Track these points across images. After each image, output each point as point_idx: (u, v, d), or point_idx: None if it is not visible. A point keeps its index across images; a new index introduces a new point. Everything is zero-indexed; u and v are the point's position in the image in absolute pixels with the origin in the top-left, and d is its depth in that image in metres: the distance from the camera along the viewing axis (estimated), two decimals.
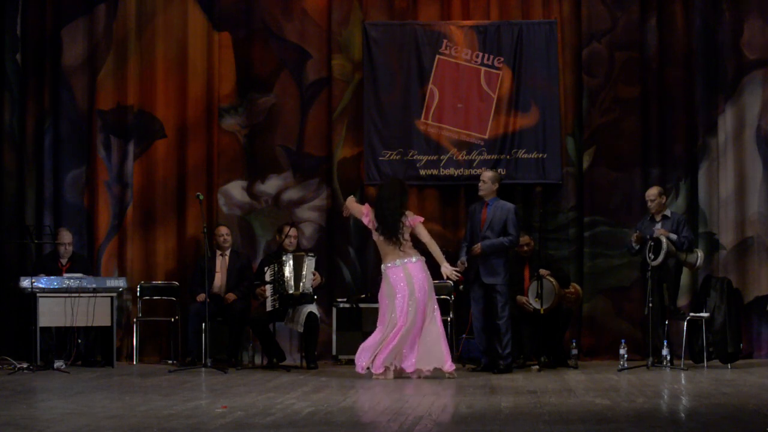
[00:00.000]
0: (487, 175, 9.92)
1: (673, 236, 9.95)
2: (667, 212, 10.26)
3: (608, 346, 10.80)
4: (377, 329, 9.32)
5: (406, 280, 9.18)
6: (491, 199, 9.84)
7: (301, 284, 10.24)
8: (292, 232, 10.50)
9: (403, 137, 11.20)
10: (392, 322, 9.16)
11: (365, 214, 9.42)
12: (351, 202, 9.67)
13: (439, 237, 10.94)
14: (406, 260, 9.24)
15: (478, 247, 9.68)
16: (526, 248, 10.32)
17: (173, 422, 6.35)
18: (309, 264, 10.31)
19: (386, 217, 9.27)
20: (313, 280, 10.35)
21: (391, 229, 9.24)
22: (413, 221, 9.33)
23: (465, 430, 6.13)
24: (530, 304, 10.02)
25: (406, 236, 9.28)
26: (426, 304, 9.19)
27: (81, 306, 10.06)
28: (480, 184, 9.89)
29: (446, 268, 9.33)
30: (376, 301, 10.66)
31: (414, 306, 9.14)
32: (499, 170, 10.73)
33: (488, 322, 9.78)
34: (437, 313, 9.27)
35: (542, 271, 10.04)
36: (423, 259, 9.34)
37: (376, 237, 9.38)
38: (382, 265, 9.35)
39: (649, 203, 10.21)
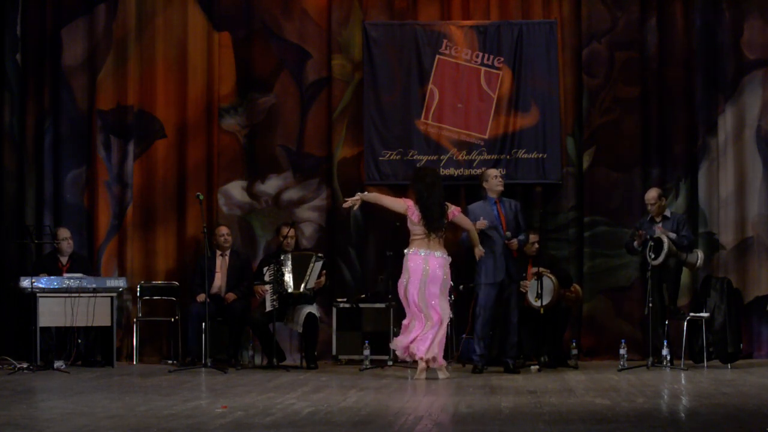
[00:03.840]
0: (499, 170, 10.01)
1: (673, 235, 9.96)
2: (667, 213, 10.26)
3: (608, 346, 10.80)
4: (415, 325, 9.20)
5: (422, 270, 9.11)
6: (500, 197, 9.87)
7: (304, 284, 10.24)
8: (290, 232, 10.51)
9: (403, 137, 11.20)
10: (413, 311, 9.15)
11: (409, 206, 9.24)
12: (379, 198, 9.52)
13: None
14: (430, 252, 9.17)
15: (515, 243, 9.71)
16: (537, 245, 10.33)
17: (173, 422, 6.35)
18: (316, 266, 10.31)
19: (433, 208, 9.18)
20: (318, 281, 10.36)
21: (437, 222, 9.16)
22: (454, 212, 9.30)
23: (465, 430, 6.13)
24: (532, 300, 10.02)
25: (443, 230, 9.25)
26: (438, 298, 9.13)
27: (81, 306, 10.06)
28: (500, 180, 9.88)
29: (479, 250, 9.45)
30: (376, 301, 10.70)
31: (424, 297, 9.09)
32: (499, 170, 10.74)
33: (497, 321, 9.82)
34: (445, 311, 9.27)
35: (541, 270, 10.05)
36: (449, 259, 9.25)
37: (413, 226, 9.24)
38: (406, 250, 9.24)
39: (649, 207, 10.20)
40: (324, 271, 10.50)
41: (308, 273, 10.29)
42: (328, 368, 10.31)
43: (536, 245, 10.37)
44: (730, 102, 11.04)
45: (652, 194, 10.23)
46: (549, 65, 11.11)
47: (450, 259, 9.28)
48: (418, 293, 9.11)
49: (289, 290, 10.24)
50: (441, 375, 9.12)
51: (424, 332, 9.10)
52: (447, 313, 9.27)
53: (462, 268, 10.75)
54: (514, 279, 9.78)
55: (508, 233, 9.69)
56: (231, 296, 10.58)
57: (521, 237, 9.84)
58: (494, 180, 9.86)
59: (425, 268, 9.12)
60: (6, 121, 11.27)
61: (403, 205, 9.30)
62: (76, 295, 10.06)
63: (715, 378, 9.00)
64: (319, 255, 10.44)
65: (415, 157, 11.15)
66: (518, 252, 9.83)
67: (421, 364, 9.12)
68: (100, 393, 8.09)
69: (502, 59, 11.14)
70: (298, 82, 11.37)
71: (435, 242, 9.19)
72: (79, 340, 10.44)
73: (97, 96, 11.30)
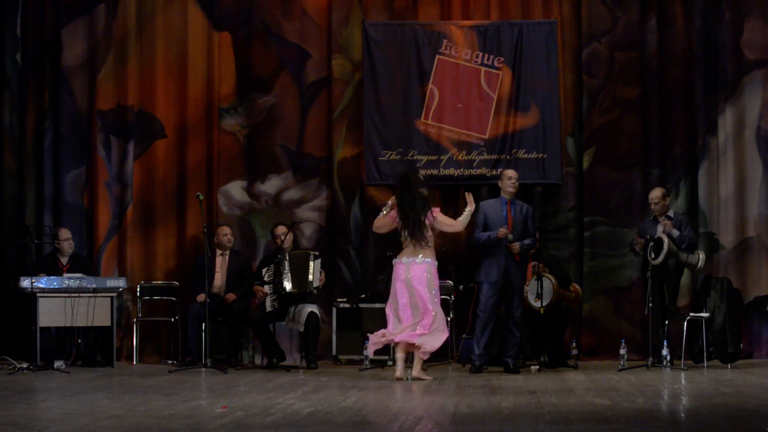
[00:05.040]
0: (515, 173, 9.95)
1: (676, 232, 9.96)
2: (670, 212, 10.26)
3: (608, 346, 10.80)
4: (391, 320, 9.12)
5: (405, 279, 9.04)
6: (512, 199, 9.85)
7: (309, 284, 10.24)
8: (284, 230, 10.47)
9: (403, 137, 11.21)
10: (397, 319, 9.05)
11: (391, 214, 9.16)
12: (379, 221, 9.36)
13: (439, 236, 10.91)
14: (411, 259, 9.07)
15: (517, 246, 9.65)
16: (537, 244, 10.36)
17: (173, 422, 6.35)
18: (315, 264, 10.31)
19: (415, 220, 9.05)
20: (321, 279, 10.37)
21: (416, 231, 9.04)
22: (430, 217, 9.10)
23: (465, 430, 6.13)
24: (532, 300, 10.01)
25: (428, 233, 9.11)
26: (427, 300, 8.99)
27: (81, 306, 10.07)
28: (513, 182, 9.83)
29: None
30: (377, 301, 10.70)
31: (414, 301, 9.00)
32: (499, 170, 10.76)
33: (498, 321, 9.81)
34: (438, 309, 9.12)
35: (540, 266, 10.04)
36: (434, 263, 9.09)
37: (400, 231, 9.14)
38: (395, 259, 9.17)
39: (652, 206, 10.19)
40: (323, 271, 10.49)
41: (311, 272, 10.28)
42: (328, 368, 10.31)
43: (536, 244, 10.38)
44: (730, 102, 11.04)
45: (656, 193, 10.22)
46: (549, 65, 11.12)
47: (436, 263, 9.14)
48: (409, 302, 9.03)
49: (288, 290, 10.23)
50: (423, 375, 9.00)
51: (410, 326, 9.01)
52: (441, 315, 9.12)
53: (462, 268, 10.77)
54: (515, 281, 9.75)
55: (510, 236, 9.68)
56: (231, 296, 10.58)
57: (527, 241, 9.80)
58: (507, 181, 9.87)
59: (407, 277, 9.04)
60: (6, 121, 11.27)
61: (390, 221, 9.19)
62: (76, 295, 10.07)
63: (715, 378, 8.99)
64: (315, 253, 10.43)
65: (415, 157, 11.15)
66: (520, 255, 9.77)
67: (399, 354, 9.00)
68: (100, 393, 8.09)
69: (502, 59, 11.15)
70: (298, 82, 11.37)
71: (420, 247, 9.08)
72: (79, 340, 10.44)
73: (97, 96, 11.30)
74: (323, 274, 10.46)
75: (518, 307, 9.76)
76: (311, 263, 10.30)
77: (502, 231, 9.60)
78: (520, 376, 9.36)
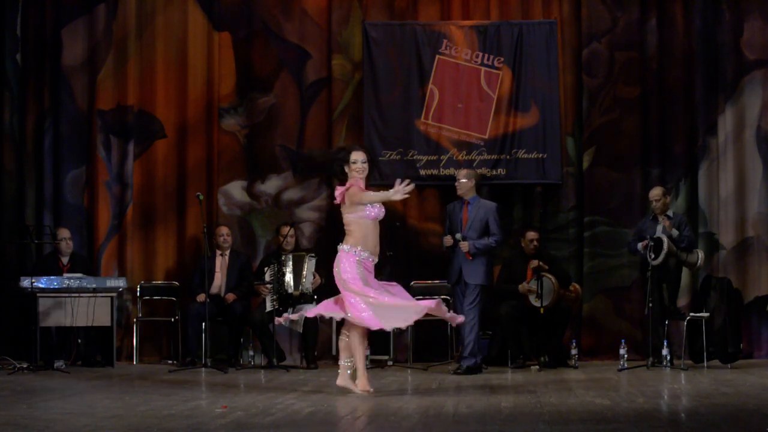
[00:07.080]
0: (462, 173, 9.81)
1: (675, 232, 9.96)
2: (669, 212, 10.26)
3: (608, 346, 10.80)
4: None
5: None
6: (471, 198, 9.75)
7: (301, 285, 10.24)
8: (290, 232, 10.50)
9: (403, 137, 11.21)
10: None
11: (338, 193, 7.89)
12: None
13: (439, 237, 10.92)
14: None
15: (466, 245, 9.54)
16: (536, 243, 10.32)
17: (173, 422, 6.35)
18: (309, 265, 10.30)
19: None
20: (314, 281, 10.34)
21: None
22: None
23: (465, 430, 6.13)
24: (532, 300, 10.01)
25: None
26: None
27: (81, 306, 10.07)
28: (456, 184, 9.76)
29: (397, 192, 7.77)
30: None
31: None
32: (499, 170, 10.74)
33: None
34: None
35: (541, 264, 10.03)
36: (343, 251, 7.97)
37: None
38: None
39: (653, 203, 10.19)
40: (315, 273, 10.40)
41: (304, 273, 10.27)
42: (328, 368, 10.30)
43: (535, 242, 10.37)
44: (730, 102, 11.04)
45: (656, 191, 10.23)
46: (549, 65, 11.11)
47: (343, 251, 7.91)
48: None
49: (290, 291, 10.23)
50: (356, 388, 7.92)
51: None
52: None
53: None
54: (470, 280, 9.51)
55: (459, 235, 9.58)
56: (231, 296, 10.58)
57: (483, 240, 9.52)
58: (456, 182, 9.81)
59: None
60: (6, 121, 11.27)
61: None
62: (76, 295, 10.07)
63: (715, 378, 8.99)
64: (311, 254, 10.40)
65: (415, 157, 11.15)
66: (473, 255, 9.50)
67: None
68: (100, 393, 8.09)
69: (502, 59, 11.14)
70: (298, 82, 11.37)
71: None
72: (79, 340, 10.44)
73: (97, 96, 11.30)
74: (317, 276, 10.39)
75: (473, 308, 9.40)
76: (305, 264, 10.28)
77: (447, 240, 9.63)
78: (520, 376, 9.35)
